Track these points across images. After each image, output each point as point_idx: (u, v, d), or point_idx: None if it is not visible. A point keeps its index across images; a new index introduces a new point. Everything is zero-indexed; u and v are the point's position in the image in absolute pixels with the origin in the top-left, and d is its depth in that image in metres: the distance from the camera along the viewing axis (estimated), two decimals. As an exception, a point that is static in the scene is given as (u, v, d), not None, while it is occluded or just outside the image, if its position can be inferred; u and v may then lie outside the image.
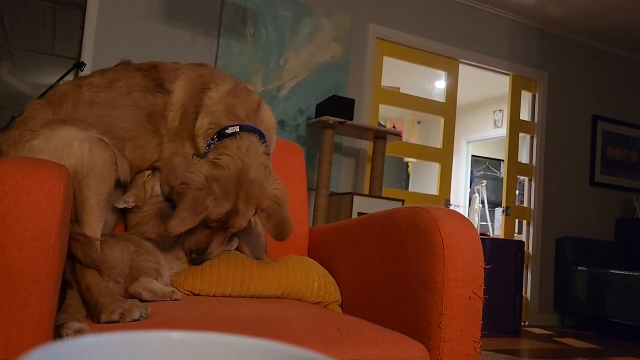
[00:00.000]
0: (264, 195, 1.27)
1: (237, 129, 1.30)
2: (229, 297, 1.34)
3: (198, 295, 1.31)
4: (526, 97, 5.34)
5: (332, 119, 3.68)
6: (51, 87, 3.12)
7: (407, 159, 7.30)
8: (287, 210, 1.31)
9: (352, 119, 3.78)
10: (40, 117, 1.23)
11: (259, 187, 1.26)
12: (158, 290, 1.14)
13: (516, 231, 5.27)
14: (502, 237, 5.03)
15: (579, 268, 4.93)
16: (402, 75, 5.99)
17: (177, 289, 1.28)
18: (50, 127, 1.19)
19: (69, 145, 1.15)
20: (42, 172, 0.88)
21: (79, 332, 0.91)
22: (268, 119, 1.42)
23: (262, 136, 1.33)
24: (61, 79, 3.15)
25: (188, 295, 1.30)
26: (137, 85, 1.34)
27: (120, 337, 0.32)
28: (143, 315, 0.97)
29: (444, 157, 4.79)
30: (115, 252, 1.17)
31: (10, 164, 0.88)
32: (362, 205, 3.66)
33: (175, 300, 1.16)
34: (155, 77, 1.36)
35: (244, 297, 1.35)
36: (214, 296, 1.31)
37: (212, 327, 0.96)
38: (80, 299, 1.04)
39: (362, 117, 4.35)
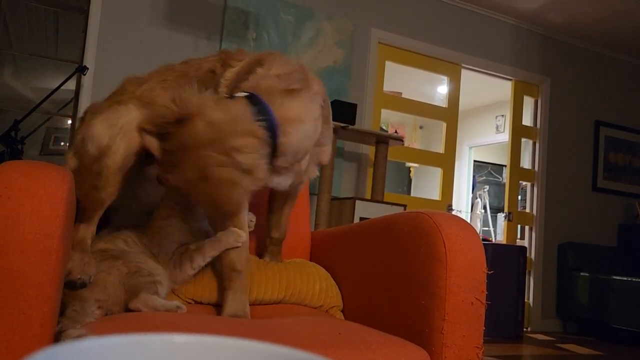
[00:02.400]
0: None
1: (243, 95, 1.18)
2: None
3: (200, 303, 1.30)
4: (528, 102, 5.34)
5: (334, 123, 3.69)
6: (54, 91, 3.13)
7: (409, 164, 7.29)
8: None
9: (353, 124, 3.78)
10: (123, 92, 1.31)
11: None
12: (160, 306, 1.11)
13: (518, 236, 5.26)
14: (504, 242, 5.02)
15: (581, 273, 4.92)
16: (404, 79, 5.99)
17: (178, 296, 1.27)
18: (115, 105, 1.25)
19: (97, 133, 1.20)
20: (45, 175, 0.88)
21: (77, 339, 0.89)
22: (295, 109, 1.20)
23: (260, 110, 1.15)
24: (63, 82, 3.16)
25: (190, 303, 1.29)
26: (206, 65, 1.36)
27: (123, 339, 0.32)
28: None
29: (446, 162, 4.79)
30: (108, 282, 1.13)
31: (13, 167, 0.88)
32: (364, 209, 3.65)
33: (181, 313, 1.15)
34: (224, 58, 1.35)
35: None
36: (216, 303, 1.30)
37: (213, 331, 0.96)
38: (82, 315, 1.03)
39: (363, 122, 4.36)
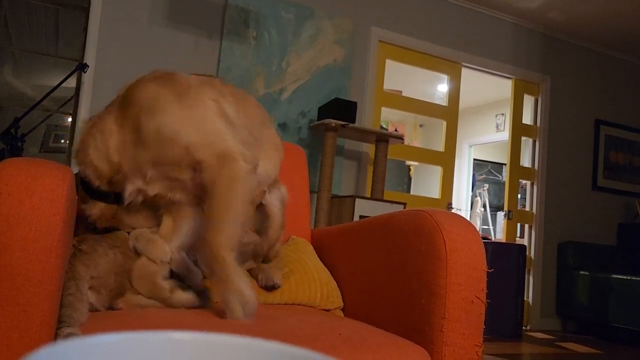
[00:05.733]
0: None
1: None
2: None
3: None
4: (528, 101, 5.33)
5: (334, 122, 3.69)
6: (54, 89, 3.12)
7: (408, 162, 7.29)
8: None
9: (354, 122, 3.78)
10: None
11: None
12: (145, 306, 1.11)
13: (518, 235, 5.26)
14: (504, 241, 5.02)
15: (581, 272, 4.92)
16: (404, 78, 5.99)
17: None
18: None
19: None
20: (45, 173, 0.88)
21: (67, 337, 0.89)
22: None
23: None
24: (64, 80, 3.15)
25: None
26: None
27: (123, 337, 0.32)
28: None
29: (446, 160, 4.79)
30: (102, 261, 1.12)
31: (13, 164, 0.88)
32: (364, 208, 3.66)
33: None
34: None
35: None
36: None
37: (213, 330, 0.96)
38: (80, 299, 1.03)
39: (364, 120, 4.36)
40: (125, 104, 1.19)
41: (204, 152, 1.13)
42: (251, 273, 1.41)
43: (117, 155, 1.16)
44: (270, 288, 1.38)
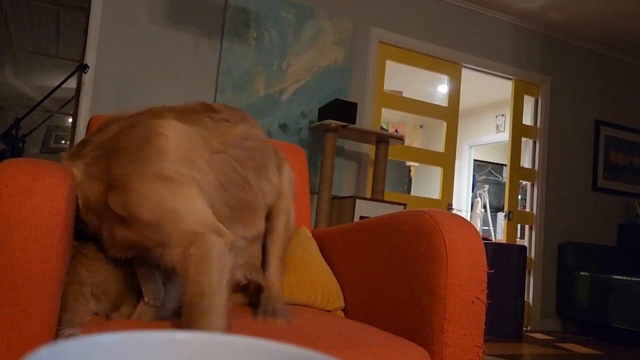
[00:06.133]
0: None
1: None
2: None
3: None
4: (528, 102, 5.33)
5: (334, 122, 3.69)
6: (55, 89, 3.13)
7: (409, 163, 7.30)
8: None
9: (354, 123, 3.78)
10: None
11: None
12: (137, 318, 1.10)
13: (518, 236, 5.26)
14: (504, 241, 5.02)
15: (581, 273, 4.92)
16: (404, 79, 5.99)
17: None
18: None
19: None
20: (45, 173, 0.88)
21: (68, 338, 0.88)
22: None
23: None
24: (64, 81, 3.16)
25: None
26: None
27: (125, 336, 0.32)
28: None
29: (446, 161, 4.79)
30: (104, 268, 1.12)
31: (13, 165, 0.88)
32: (364, 208, 3.66)
33: None
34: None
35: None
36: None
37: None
38: (82, 302, 1.03)
39: (364, 121, 4.36)
40: (109, 158, 1.11)
41: (171, 230, 1.03)
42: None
43: (93, 206, 1.10)
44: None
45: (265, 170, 1.37)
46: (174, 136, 1.16)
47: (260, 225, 1.35)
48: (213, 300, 0.96)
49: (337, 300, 1.45)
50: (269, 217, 1.41)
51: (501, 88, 6.42)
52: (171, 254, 1.02)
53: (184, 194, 1.08)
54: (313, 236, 1.75)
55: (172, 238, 1.02)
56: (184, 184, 1.10)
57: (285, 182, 1.45)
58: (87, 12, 3.60)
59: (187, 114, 1.25)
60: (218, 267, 0.99)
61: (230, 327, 1.02)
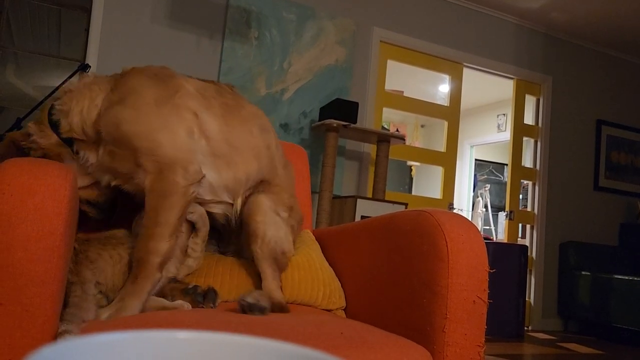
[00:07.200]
0: None
1: None
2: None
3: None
4: (530, 101, 5.33)
5: (335, 122, 3.69)
6: (56, 89, 3.13)
7: (410, 163, 7.29)
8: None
9: (355, 122, 3.78)
10: None
11: None
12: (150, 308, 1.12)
13: (519, 235, 5.26)
14: (505, 241, 5.01)
15: (583, 273, 4.91)
16: (405, 78, 5.99)
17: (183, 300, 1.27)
18: None
19: None
20: (47, 172, 0.88)
21: (62, 334, 0.88)
22: None
23: None
24: (66, 80, 3.16)
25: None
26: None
27: (127, 335, 0.32)
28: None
29: (447, 160, 4.78)
30: (108, 267, 1.14)
31: (15, 164, 0.88)
32: (365, 208, 3.65)
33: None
34: None
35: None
36: (225, 300, 1.30)
37: (215, 329, 0.96)
38: (84, 299, 1.04)
39: (365, 120, 4.36)
40: (117, 85, 1.25)
41: (147, 159, 1.17)
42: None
43: (90, 127, 1.22)
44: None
45: (269, 137, 1.44)
46: (193, 81, 1.34)
47: (252, 168, 1.37)
48: (163, 229, 1.14)
49: (339, 299, 1.45)
50: (258, 210, 1.35)
51: (502, 87, 6.41)
52: (140, 181, 1.18)
53: (172, 123, 1.21)
54: (314, 236, 1.75)
55: (145, 167, 1.17)
56: (180, 111, 1.23)
57: (289, 175, 1.51)
58: (88, 12, 3.61)
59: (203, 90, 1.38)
60: (177, 204, 1.16)
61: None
